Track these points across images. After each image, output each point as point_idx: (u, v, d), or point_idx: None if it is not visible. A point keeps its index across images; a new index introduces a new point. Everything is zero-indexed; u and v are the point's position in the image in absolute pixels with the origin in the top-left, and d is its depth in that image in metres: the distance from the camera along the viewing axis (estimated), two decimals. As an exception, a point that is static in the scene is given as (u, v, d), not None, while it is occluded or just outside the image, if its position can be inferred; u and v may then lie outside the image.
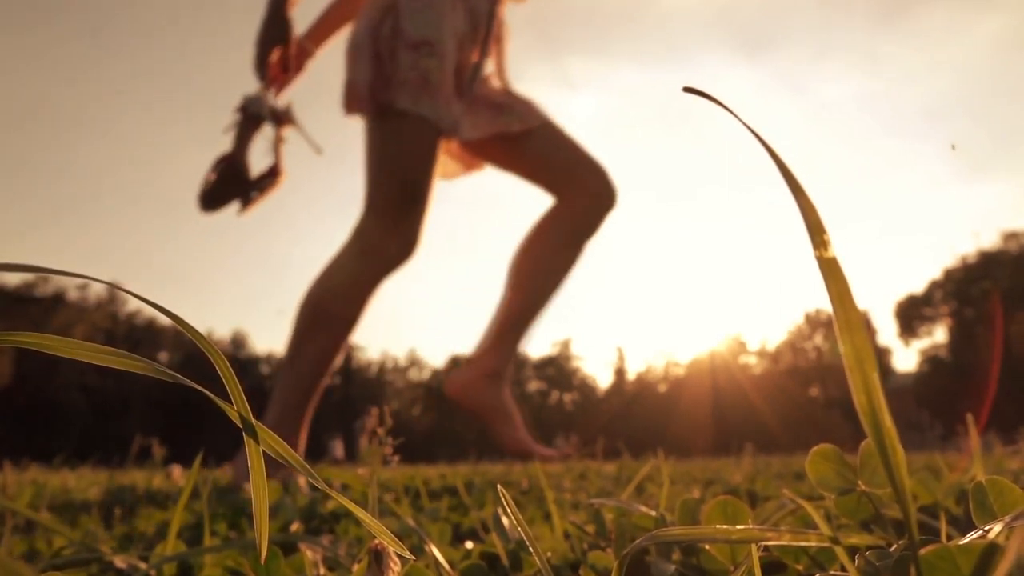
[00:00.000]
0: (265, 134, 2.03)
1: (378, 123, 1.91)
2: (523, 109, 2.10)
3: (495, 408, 2.04)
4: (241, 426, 0.35)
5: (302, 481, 1.46)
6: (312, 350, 1.90)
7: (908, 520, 0.26)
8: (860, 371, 0.25)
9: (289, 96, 2.13)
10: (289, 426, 1.89)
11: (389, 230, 1.90)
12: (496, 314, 2.12)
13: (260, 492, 0.35)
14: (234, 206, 2.00)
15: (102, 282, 0.33)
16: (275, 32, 1.99)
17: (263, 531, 0.36)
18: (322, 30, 2.13)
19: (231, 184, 1.97)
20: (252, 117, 1.99)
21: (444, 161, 2.13)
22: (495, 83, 2.17)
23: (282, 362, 1.98)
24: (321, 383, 1.95)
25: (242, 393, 0.34)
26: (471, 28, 2.00)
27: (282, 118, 2.03)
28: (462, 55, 1.98)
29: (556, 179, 2.10)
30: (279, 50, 2.01)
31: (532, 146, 2.09)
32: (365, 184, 1.93)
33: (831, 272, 0.26)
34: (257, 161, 2.02)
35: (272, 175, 2.02)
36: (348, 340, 1.98)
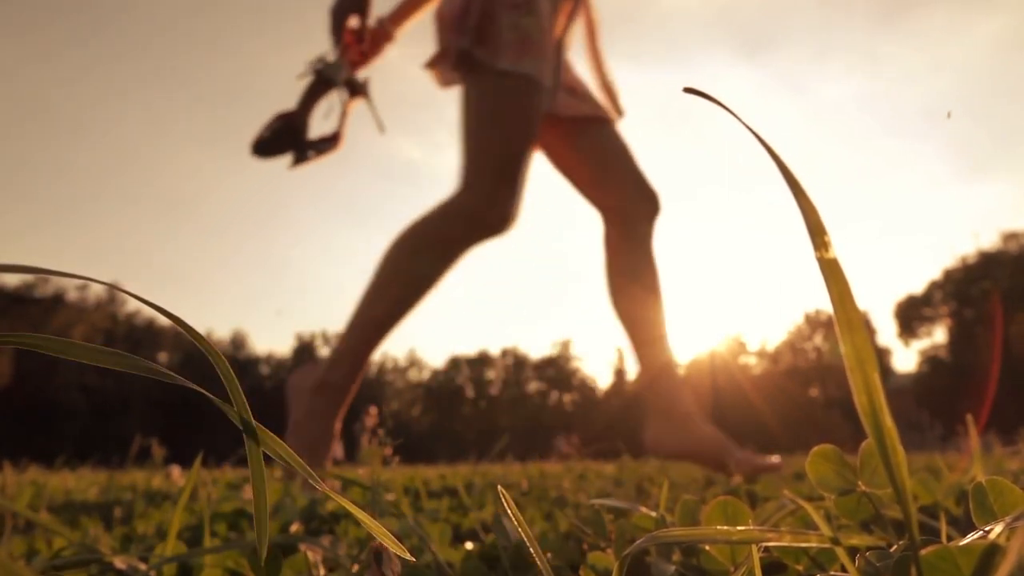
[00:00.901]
0: (332, 99, 2.01)
1: (478, 86, 1.83)
2: (596, 99, 2.05)
3: (703, 443, 1.95)
4: (241, 427, 0.35)
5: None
6: (388, 299, 1.84)
7: (908, 521, 0.26)
8: (861, 371, 0.25)
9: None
10: (347, 369, 1.84)
11: (491, 198, 1.81)
12: (642, 376, 2.03)
13: (260, 493, 0.35)
14: (279, 159, 1.99)
15: (101, 283, 0.33)
16: (340, 5, 1.98)
17: (263, 532, 0.36)
18: (404, 12, 2.08)
19: (286, 139, 1.96)
20: (325, 81, 1.98)
21: None
22: (570, 65, 2.11)
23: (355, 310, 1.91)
24: (386, 333, 1.89)
25: (242, 394, 0.34)
26: None
27: (357, 89, 2.02)
28: (552, 21, 1.93)
29: (607, 181, 2.03)
30: (356, 18, 2.00)
31: (597, 141, 2.01)
32: (464, 152, 1.84)
33: (832, 273, 0.26)
34: (316, 123, 2.01)
35: (332, 141, 2.01)
36: (422, 298, 1.92)
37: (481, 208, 1.81)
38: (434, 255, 1.83)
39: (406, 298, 1.84)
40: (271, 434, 0.35)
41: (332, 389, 1.85)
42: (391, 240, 1.89)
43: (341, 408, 1.86)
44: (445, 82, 1.94)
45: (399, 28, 2.08)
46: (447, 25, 1.91)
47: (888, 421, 0.25)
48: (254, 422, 0.35)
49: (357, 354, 1.85)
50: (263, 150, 1.96)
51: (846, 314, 0.25)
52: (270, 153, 1.97)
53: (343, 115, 2.02)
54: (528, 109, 1.82)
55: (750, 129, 0.27)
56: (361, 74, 2.06)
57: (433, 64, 1.96)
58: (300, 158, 1.99)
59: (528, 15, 1.83)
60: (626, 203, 2.00)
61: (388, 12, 2.07)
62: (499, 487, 0.42)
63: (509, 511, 0.39)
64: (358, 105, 2.05)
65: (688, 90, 0.29)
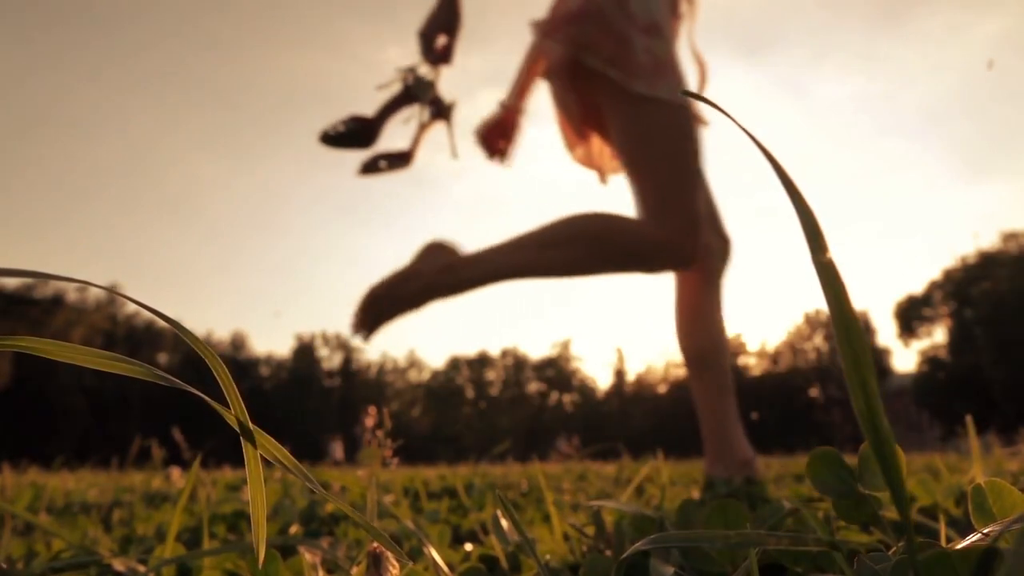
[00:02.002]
0: (412, 115, 2.00)
1: (623, 111, 1.80)
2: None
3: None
4: (238, 430, 0.35)
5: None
6: (540, 260, 1.80)
7: (906, 524, 0.26)
8: (858, 374, 0.25)
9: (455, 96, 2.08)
10: (470, 277, 1.82)
11: (685, 232, 1.75)
12: (711, 420, 1.99)
13: (258, 496, 0.35)
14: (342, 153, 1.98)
15: (99, 287, 0.33)
16: (445, 18, 1.97)
17: (260, 534, 0.36)
18: (524, 86, 2.06)
19: (355, 141, 1.95)
20: (411, 96, 1.97)
21: (601, 153, 2.06)
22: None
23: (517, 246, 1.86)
24: (517, 279, 1.86)
25: (239, 397, 0.34)
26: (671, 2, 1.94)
27: (441, 112, 2.01)
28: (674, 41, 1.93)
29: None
30: (446, 38, 2.00)
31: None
32: (637, 180, 1.80)
33: (828, 276, 0.26)
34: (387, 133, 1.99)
35: (404, 158, 2.00)
36: (562, 278, 1.88)
37: (676, 243, 1.78)
38: (609, 261, 1.81)
39: (553, 270, 1.81)
40: (268, 436, 0.35)
41: (449, 281, 1.85)
42: (583, 214, 1.84)
43: (437, 299, 1.86)
44: (549, 71, 1.90)
45: (525, 102, 2.07)
46: (563, 20, 1.87)
47: (885, 424, 0.25)
48: (251, 425, 0.35)
49: (484, 276, 1.84)
50: (331, 141, 1.95)
51: (843, 317, 0.25)
52: (335, 146, 1.96)
53: (420, 134, 2.01)
54: (689, 132, 1.81)
55: (746, 131, 0.27)
56: (448, 97, 2.05)
57: (543, 48, 1.91)
58: (370, 168, 1.98)
59: (658, 38, 1.83)
60: (707, 239, 1.98)
61: (508, 93, 2.06)
62: (497, 490, 0.42)
63: (507, 513, 0.38)
64: (437, 127, 2.04)
65: (686, 93, 0.29)
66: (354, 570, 0.64)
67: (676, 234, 1.75)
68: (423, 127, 2.01)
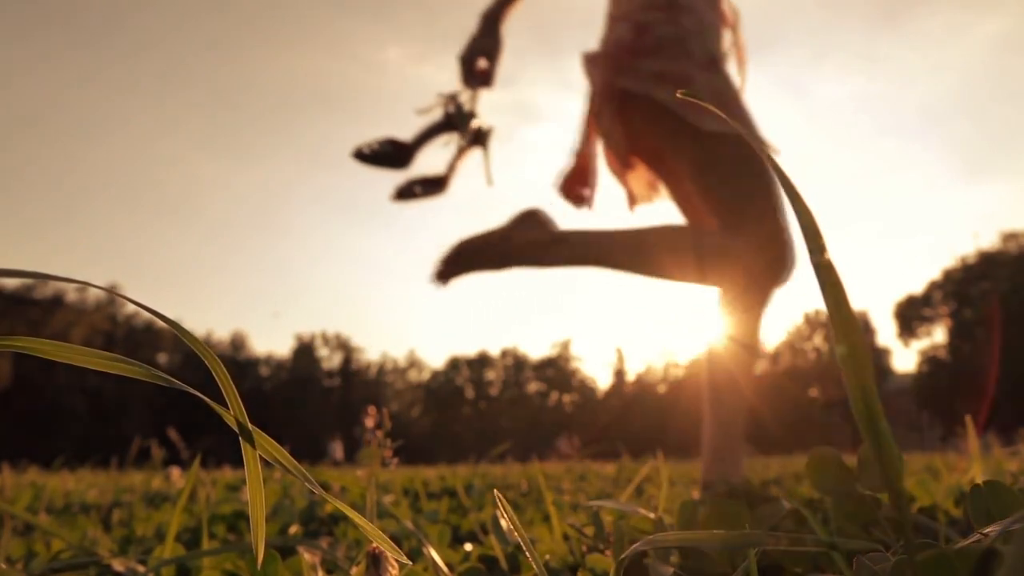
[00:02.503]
0: (449, 139, 2.00)
1: (692, 148, 1.81)
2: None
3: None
4: (237, 430, 0.35)
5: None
6: (631, 258, 1.81)
7: (905, 525, 0.26)
8: (856, 376, 0.25)
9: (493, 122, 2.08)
10: (558, 255, 1.83)
11: (783, 243, 1.77)
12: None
13: (257, 496, 0.35)
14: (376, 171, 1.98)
15: (98, 287, 0.33)
16: (486, 43, 1.99)
17: (259, 535, 0.36)
18: (593, 127, 2.06)
19: (389, 163, 1.96)
20: (451, 124, 1.98)
21: (637, 181, 2.07)
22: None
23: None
24: (598, 268, 1.88)
25: (238, 396, 0.34)
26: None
27: (478, 138, 2.01)
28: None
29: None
30: (486, 62, 2.00)
31: None
32: (717, 208, 1.80)
33: (827, 276, 0.26)
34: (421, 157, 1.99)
35: (439, 184, 2.00)
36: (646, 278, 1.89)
37: (766, 260, 1.78)
38: (696, 273, 1.83)
39: (639, 271, 1.83)
40: (267, 437, 0.35)
41: (536, 254, 1.87)
42: (682, 226, 1.85)
43: (519, 267, 1.88)
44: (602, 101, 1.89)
45: (596, 145, 2.05)
46: (626, 54, 1.86)
47: (884, 425, 0.25)
48: (250, 425, 0.35)
49: (570, 259, 1.86)
50: (364, 159, 1.96)
51: (841, 317, 0.25)
52: (368, 163, 1.97)
53: (456, 161, 2.01)
54: (759, 159, 1.82)
55: (743, 132, 0.27)
56: (485, 123, 2.05)
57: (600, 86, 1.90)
58: (405, 193, 1.98)
59: (717, 73, 1.84)
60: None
61: (578, 138, 2.04)
62: (495, 491, 0.42)
63: (506, 514, 0.38)
64: (473, 153, 2.04)
65: (683, 94, 0.29)
66: (353, 570, 0.64)
67: (764, 252, 1.76)
68: (460, 153, 2.01)
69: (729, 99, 1.83)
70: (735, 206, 1.79)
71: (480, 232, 1.91)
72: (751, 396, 1.95)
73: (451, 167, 2.02)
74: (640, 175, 2.06)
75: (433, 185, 2.01)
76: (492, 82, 2.03)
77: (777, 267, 1.78)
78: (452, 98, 2.00)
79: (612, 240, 1.83)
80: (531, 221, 1.90)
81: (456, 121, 1.98)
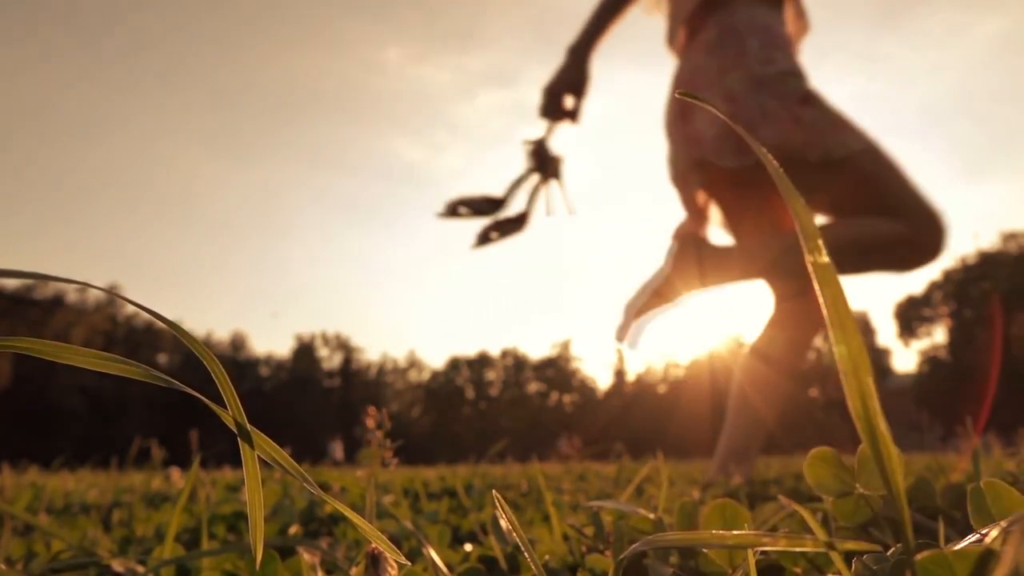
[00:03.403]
0: (525, 176, 2.00)
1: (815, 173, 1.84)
2: None
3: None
4: (236, 431, 0.35)
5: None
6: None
7: (903, 525, 0.26)
8: (855, 376, 0.25)
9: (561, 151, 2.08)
10: (731, 270, 1.86)
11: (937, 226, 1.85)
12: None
13: (255, 497, 0.35)
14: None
15: (97, 288, 0.33)
16: (575, 77, 2.00)
17: (258, 535, 0.36)
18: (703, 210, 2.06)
19: (480, 212, 1.96)
20: (540, 169, 1.98)
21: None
22: None
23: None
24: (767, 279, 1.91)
25: (236, 397, 0.34)
26: None
27: (551, 172, 2.01)
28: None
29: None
30: (573, 98, 2.01)
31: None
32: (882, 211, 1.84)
33: (824, 277, 0.26)
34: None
35: (519, 223, 2.00)
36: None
37: (927, 238, 1.82)
38: (867, 264, 1.84)
39: (854, 268, 1.85)
40: (265, 437, 0.35)
41: (706, 280, 1.89)
42: (840, 223, 1.85)
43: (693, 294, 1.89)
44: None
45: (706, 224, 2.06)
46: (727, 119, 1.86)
47: (882, 426, 0.25)
48: (248, 425, 0.35)
49: (740, 276, 1.89)
50: (452, 213, 1.96)
51: (839, 318, 0.25)
52: (454, 216, 1.97)
53: (534, 196, 2.01)
54: (887, 155, 1.86)
55: (741, 132, 0.27)
56: (557, 154, 2.05)
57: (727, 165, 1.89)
58: (485, 239, 1.98)
59: (814, 106, 1.85)
60: None
61: (685, 220, 2.06)
62: (494, 492, 0.42)
63: (504, 515, 0.38)
64: (549, 185, 2.04)
65: (681, 94, 0.29)
66: (353, 571, 0.64)
67: (924, 231, 1.81)
68: (537, 189, 2.01)
69: (838, 120, 1.84)
70: (893, 210, 1.82)
71: (647, 283, 1.93)
72: (775, 411, 1.96)
73: (530, 203, 2.02)
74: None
75: (513, 224, 2.00)
76: (579, 118, 2.04)
77: (936, 244, 1.83)
78: (539, 144, 2.01)
79: (779, 249, 1.86)
80: (688, 251, 1.93)
81: (545, 164, 1.99)
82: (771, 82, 1.84)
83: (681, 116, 1.94)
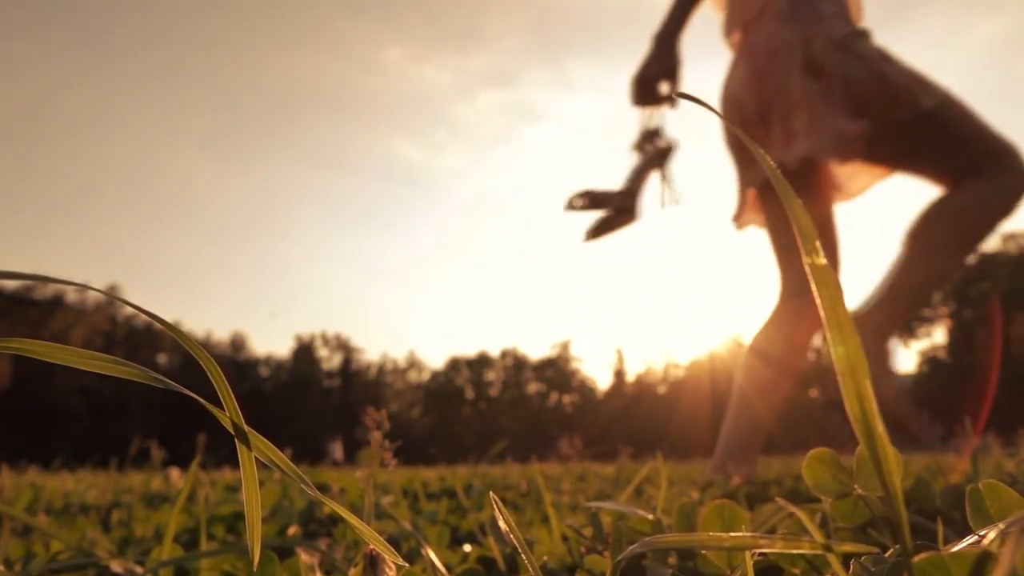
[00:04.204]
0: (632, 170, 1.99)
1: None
2: None
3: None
4: (233, 432, 0.35)
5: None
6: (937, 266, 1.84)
7: (901, 526, 0.26)
8: (852, 377, 0.25)
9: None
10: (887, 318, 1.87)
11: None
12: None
13: (252, 497, 0.35)
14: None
15: (95, 290, 0.33)
16: (667, 63, 1.99)
17: (255, 536, 0.36)
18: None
19: (596, 205, 1.95)
20: (658, 162, 1.97)
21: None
22: None
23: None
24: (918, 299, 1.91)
25: (233, 398, 0.34)
26: None
27: (661, 160, 2.00)
28: None
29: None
30: (668, 84, 2.00)
31: None
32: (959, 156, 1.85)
33: (822, 278, 0.26)
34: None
35: (629, 214, 1.98)
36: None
37: (1014, 175, 1.83)
38: (979, 236, 1.85)
39: (943, 276, 1.87)
40: (263, 438, 0.35)
41: (880, 330, 1.87)
42: (930, 218, 1.87)
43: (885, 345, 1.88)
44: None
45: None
46: (831, 108, 1.83)
47: (879, 426, 0.25)
48: (246, 426, 0.35)
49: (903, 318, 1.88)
50: (571, 206, 1.95)
51: (837, 319, 0.25)
52: (606, 233, 1.96)
53: (643, 186, 2.00)
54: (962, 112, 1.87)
55: (739, 132, 0.27)
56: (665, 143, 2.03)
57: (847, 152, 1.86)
58: (596, 232, 1.97)
59: (893, 60, 1.85)
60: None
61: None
62: (491, 493, 0.42)
63: (502, 516, 0.38)
64: (656, 174, 2.02)
65: (680, 95, 0.29)
66: (351, 572, 0.64)
67: (1012, 169, 1.82)
68: (643, 177, 2.00)
69: (915, 76, 1.84)
70: (981, 154, 1.84)
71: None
72: (775, 411, 1.96)
73: (639, 194, 2.00)
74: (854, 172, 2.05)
75: (623, 215, 1.99)
76: (675, 103, 2.02)
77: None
78: (651, 133, 1.99)
79: (913, 274, 1.87)
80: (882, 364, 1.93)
81: (657, 154, 1.97)
82: (851, 43, 1.84)
83: (760, 114, 1.90)
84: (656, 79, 2.00)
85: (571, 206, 1.97)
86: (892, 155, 1.93)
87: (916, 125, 1.81)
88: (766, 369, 1.97)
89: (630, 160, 2.03)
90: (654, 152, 2.00)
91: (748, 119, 1.91)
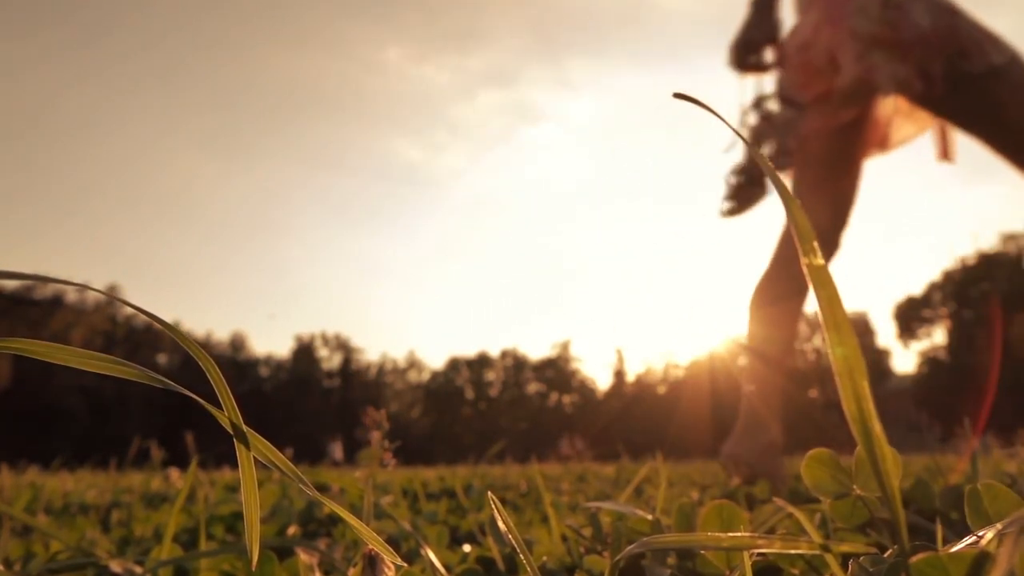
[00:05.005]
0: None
1: (987, 86, 1.82)
2: None
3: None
4: (232, 432, 0.35)
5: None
6: None
7: (898, 527, 0.26)
8: (850, 378, 0.25)
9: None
10: None
11: None
12: None
13: (251, 497, 0.35)
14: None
15: (94, 290, 0.33)
16: (766, 30, 1.97)
17: (254, 536, 0.36)
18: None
19: (754, 188, 1.93)
20: (769, 128, 1.94)
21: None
22: None
23: None
24: None
25: (232, 399, 0.34)
26: None
27: (777, 131, 1.96)
28: None
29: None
30: (766, 48, 1.98)
31: None
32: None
33: (820, 279, 0.26)
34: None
35: (759, 186, 1.95)
36: None
37: None
38: None
39: None
40: (261, 438, 0.35)
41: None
42: None
43: None
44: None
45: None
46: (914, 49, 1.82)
47: (877, 427, 0.25)
48: (244, 426, 0.35)
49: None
50: (738, 204, 1.93)
51: (835, 319, 0.25)
52: (745, 205, 1.94)
53: (758, 153, 1.97)
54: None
55: (738, 134, 0.27)
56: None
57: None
58: (736, 209, 1.95)
59: (962, 13, 1.84)
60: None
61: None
62: (489, 493, 0.42)
63: (501, 517, 0.38)
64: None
65: (678, 95, 0.29)
66: (350, 572, 0.64)
67: None
68: (758, 145, 1.96)
69: (985, 31, 1.84)
70: None
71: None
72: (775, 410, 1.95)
73: (757, 162, 1.97)
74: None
75: (754, 187, 1.96)
76: (775, 68, 1.99)
77: None
78: (763, 99, 1.97)
79: None
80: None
81: (771, 122, 1.94)
82: None
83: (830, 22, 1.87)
84: (758, 43, 1.98)
85: (728, 183, 1.94)
86: (951, 108, 1.90)
87: (983, 80, 1.79)
88: (765, 369, 1.97)
89: (740, 131, 1.99)
90: (766, 118, 1.96)
91: (816, 66, 1.89)
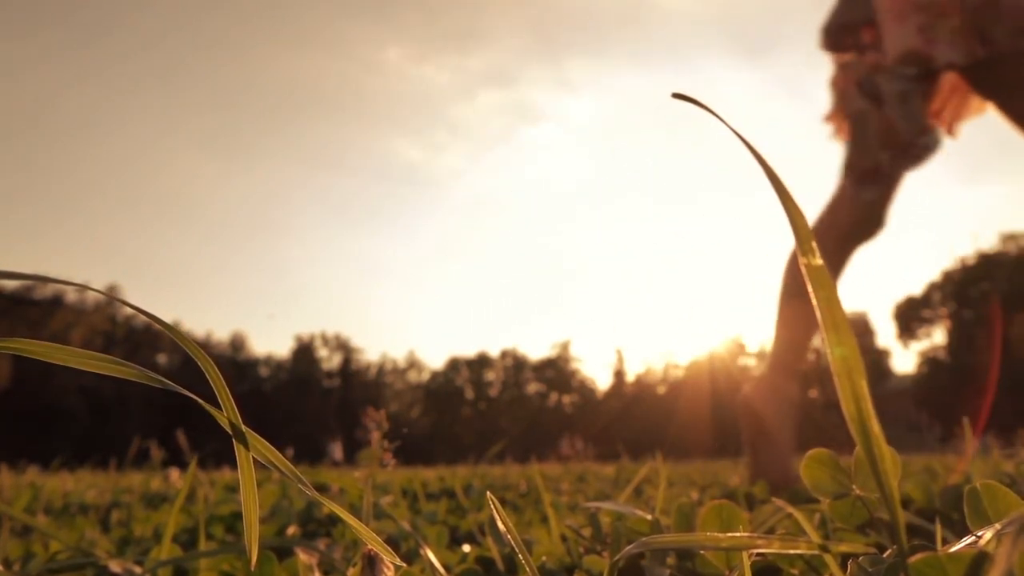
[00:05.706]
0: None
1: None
2: None
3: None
4: (231, 432, 0.35)
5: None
6: None
7: (897, 527, 0.26)
8: (848, 378, 0.25)
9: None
10: None
11: None
12: None
13: (250, 497, 0.35)
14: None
15: (96, 291, 0.33)
16: (859, 9, 1.93)
17: (253, 536, 0.36)
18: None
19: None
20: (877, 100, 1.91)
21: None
22: None
23: None
24: None
25: (231, 399, 0.34)
26: None
27: (885, 103, 1.94)
28: None
29: None
30: (861, 29, 1.96)
31: None
32: None
33: (818, 278, 0.26)
34: None
35: (906, 148, 1.92)
36: None
37: None
38: None
39: None
40: (260, 438, 0.35)
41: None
42: None
43: None
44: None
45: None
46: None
47: (875, 427, 0.25)
48: (243, 426, 0.35)
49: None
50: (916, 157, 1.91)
51: (833, 319, 0.25)
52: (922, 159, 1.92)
53: (899, 115, 1.94)
54: None
55: (737, 134, 0.27)
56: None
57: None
58: (911, 162, 1.93)
59: None
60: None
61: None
62: (488, 493, 0.42)
63: (500, 517, 0.38)
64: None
65: (676, 95, 0.29)
66: (350, 572, 0.64)
67: None
68: (890, 109, 1.92)
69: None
70: None
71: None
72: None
73: (902, 122, 1.92)
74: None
75: (910, 150, 1.93)
76: (865, 49, 1.97)
77: None
78: (868, 80, 1.94)
79: None
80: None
81: (880, 98, 1.91)
82: None
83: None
84: (852, 24, 1.96)
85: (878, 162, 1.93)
86: (1004, 90, 1.88)
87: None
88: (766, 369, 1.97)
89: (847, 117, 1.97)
90: (874, 97, 1.94)
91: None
